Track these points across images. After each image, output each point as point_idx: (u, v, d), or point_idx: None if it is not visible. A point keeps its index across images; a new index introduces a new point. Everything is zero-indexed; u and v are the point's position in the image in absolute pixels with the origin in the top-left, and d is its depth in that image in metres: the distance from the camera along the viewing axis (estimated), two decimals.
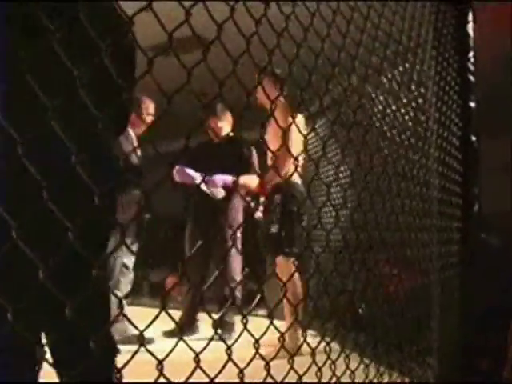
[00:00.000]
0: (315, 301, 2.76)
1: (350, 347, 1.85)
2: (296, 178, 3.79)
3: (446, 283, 2.33)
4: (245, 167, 4.44)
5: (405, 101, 2.42)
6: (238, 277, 4.53)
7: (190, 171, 4.34)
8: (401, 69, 2.53)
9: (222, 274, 4.38)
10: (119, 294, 4.10)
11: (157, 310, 0.92)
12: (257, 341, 1.09)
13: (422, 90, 2.41)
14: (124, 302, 4.23)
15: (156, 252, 7.78)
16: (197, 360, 0.95)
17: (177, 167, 4.36)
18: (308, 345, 1.29)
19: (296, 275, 3.70)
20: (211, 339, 1.04)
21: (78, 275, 0.90)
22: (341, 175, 3.44)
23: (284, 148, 1.31)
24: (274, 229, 3.75)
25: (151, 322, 0.92)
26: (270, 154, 3.56)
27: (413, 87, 2.49)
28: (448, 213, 2.35)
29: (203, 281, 4.52)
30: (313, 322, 2.89)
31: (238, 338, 1.11)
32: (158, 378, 0.88)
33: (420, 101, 2.41)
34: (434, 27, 2.34)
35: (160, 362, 0.86)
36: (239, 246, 4.47)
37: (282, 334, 1.18)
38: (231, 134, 4.72)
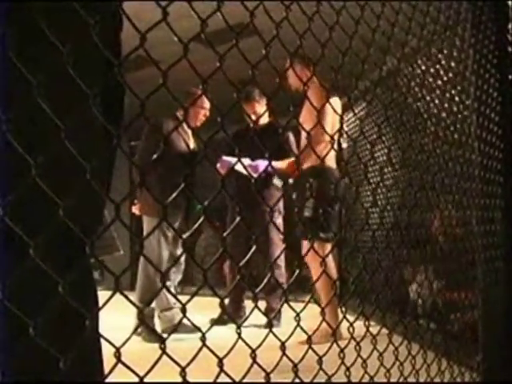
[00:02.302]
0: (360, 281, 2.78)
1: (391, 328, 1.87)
2: (331, 163, 3.79)
3: (489, 263, 2.32)
4: (284, 153, 4.48)
5: (444, 80, 2.42)
6: (280, 263, 4.59)
7: (228, 158, 4.38)
8: (439, 47, 2.53)
9: (264, 260, 4.44)
10: (169, 283, 4.21)
11: (207, 299, 0.94)
12: (297, 314, 1.14)
13: (461, 68, 2.39)
14: (173, 290, 4.33)
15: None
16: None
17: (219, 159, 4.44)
18: (347, 320, 1.33)
19: (330, 258, 3.71)
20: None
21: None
22: (381, 158, 3.44)
23: (318, 130, 1.33)
24: (307, 213, 3.73)
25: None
26: (303, 136, 3.56)
27: (452, 64, 2.49)
28: (490, 191, 2.33)
29: (247, 267, 4.62)
30: (352, 304, 2.90)
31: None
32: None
33: (458, 79, 2.39)
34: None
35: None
36: (280, 233, 4.52)
37: (323, 309, 1.22)
38: (268, 119, 4.78)
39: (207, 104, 4.35)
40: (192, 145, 4.43)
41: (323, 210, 3.69)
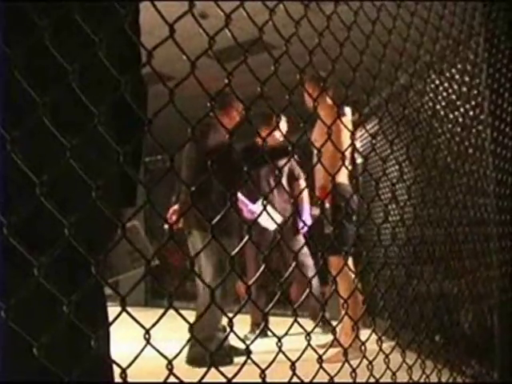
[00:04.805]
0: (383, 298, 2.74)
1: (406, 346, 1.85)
2: (343, 179, 3.78)
3: (505, 279, 2.28)
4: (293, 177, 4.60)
5: (456, 95, 2.40)
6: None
7: (253, 207, 4.43)
8: (452, 62, 2.51)
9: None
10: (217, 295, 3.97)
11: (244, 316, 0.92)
12: (308, 334, 1.12)
13: (475, 82, 2.38)
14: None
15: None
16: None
17: (247, 207, 4.48)
18: (359, 339, 1.31)
19: (352, 275, 3.68)
20: None
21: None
22: (393, 173, 3.41)
23: (332, 149, 1.32)
24: (327, 230, 3.75)
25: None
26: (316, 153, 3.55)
27: (466, 79, 2.47)
28: (505, 206, 2.30)
29: (266, 282, 4.66)
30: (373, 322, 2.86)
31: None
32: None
33: (472, 93, 2.38)
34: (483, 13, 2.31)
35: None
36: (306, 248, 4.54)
37: (334, 328, 1.20)
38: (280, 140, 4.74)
39: (239, 105, 4.18)
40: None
41: (338, 225, 3.67)
